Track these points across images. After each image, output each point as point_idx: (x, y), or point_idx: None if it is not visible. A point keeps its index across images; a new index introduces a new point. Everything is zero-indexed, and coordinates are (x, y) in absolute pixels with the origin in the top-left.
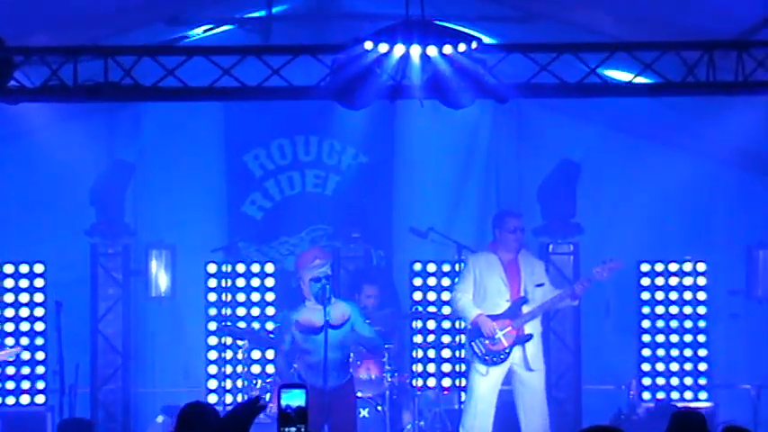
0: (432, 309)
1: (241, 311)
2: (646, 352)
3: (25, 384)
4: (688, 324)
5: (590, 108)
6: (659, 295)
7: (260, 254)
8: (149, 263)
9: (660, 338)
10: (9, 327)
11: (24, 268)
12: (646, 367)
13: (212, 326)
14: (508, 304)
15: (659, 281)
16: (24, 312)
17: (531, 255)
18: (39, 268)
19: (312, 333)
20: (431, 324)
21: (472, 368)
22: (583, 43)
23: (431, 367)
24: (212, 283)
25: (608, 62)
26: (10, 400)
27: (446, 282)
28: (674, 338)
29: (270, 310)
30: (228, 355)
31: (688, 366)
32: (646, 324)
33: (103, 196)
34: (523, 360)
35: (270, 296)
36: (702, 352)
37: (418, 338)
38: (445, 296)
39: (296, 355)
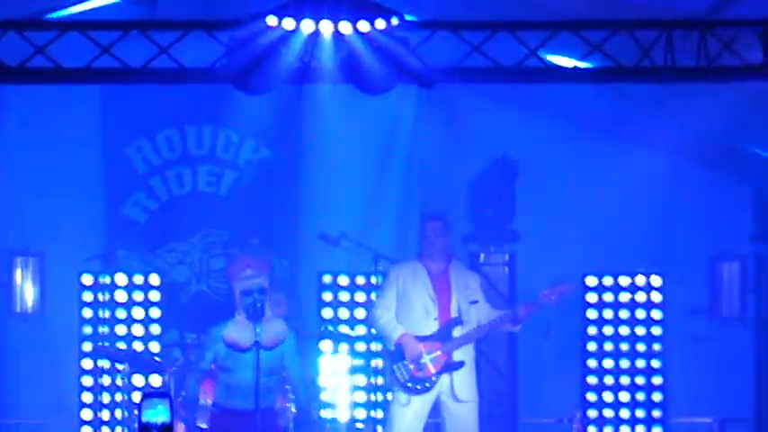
0: (343, 328)
1: (121, 330)
2: (591, 380)
3: None
4: (641, 347)
5: (529, 96)
6: (608, 314)
7: (144, 263)
8: (13, 273)
9: (608, 364)
10: None
11: None
12: (591, 397)
13: (87, 347)
14: (436, 323)
15: (608, 297)
16: None
17: (463, 267)
18: None
19: (238, 351)
20: (342, 347)
21: (392, 397)
22: (521, 21)
23: (342, 396)
24: (87, 296)
25: (550, 43)
26: None
27: (360, 297)
28: (625, 364)
29: (154, 329)
30: (106, 381)
31: (640, 397)
32: (592, 347)
33: None
34: (451, 389)
35: (155, 312)
36: (657, 380)
37: (327, 363)
38: (359, 314)
39: (215, 373)
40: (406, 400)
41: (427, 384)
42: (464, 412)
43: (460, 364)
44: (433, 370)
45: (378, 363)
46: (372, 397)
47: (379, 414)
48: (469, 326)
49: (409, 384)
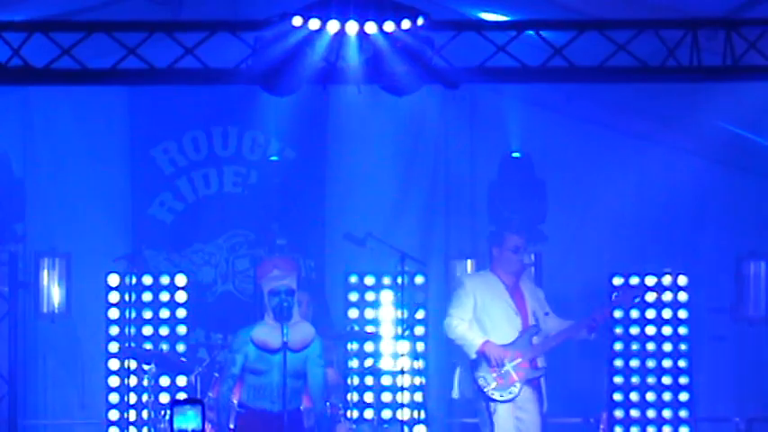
0: (370, 328)
1: (147, 330)
2: (618, 380)
3: None
4: (667, 347)
5: (554, 95)
6: (634, 313)
7: (170, 264)
8: (40, 274)
9: (635, 364)
10: None
11: None
12: (618, 397)
13: (114, 347)
14: (516, 333)
15: None
16: None
17: (530, 280)
18: None
19: (267, 353)
20: (368, 346)
21: (480, 407)
22: (546, 20)
23: (368, 396)
24: (114, 297)
25: (575, 42)
26: None
27: (387, 297)
28: (651, 364)
29: (181, 329)
30: (133, 381)
31: (667, 396)
32: (618, 347)
33: None
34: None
35: (181, 313)
36: (683, 379)
37: (354, 363)
38: (386, 313)
39: (243, 375)
40: (493, 409)
41: (511, 391)
42: (531, 418)
43: (542, 371)
44: (515, 377)
45: (403, 363)
46: (399, 397)
47: (405, 415)
48: (545, 335)
49: (494, 393)
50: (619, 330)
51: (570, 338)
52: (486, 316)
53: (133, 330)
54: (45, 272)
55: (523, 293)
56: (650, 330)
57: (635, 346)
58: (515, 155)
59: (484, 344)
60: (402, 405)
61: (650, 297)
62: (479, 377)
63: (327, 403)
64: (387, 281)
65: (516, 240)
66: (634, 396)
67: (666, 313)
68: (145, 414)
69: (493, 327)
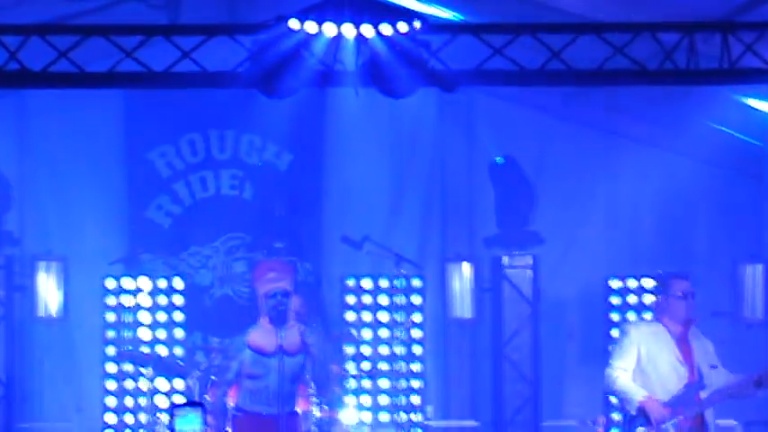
0: (367, 332)
1: (144, 334)
2: None
3: None
4: None
5: (551, 98)
6: (631, 316)
7: (167, 267)
8: (36, 277)
9: None
10: None
11: None
12: (614, 400)
13: (111, 351)
14: (682, 387)
15: (631, 299)
16: None
17: (699, 332)
18: None
19: (263, 356)
20: (366, 350)
21: None
22: (543, 23)
23: (365, 399)
24: (111, 300)
25: (572, 45)
26: None
27: (383, 300)
28: None
29: (178, 332)
30: (130, 384)
31: None
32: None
33: None
34: None
35: (178, 316)
36: None
37: (351, 366)
38: (382, 317)
39: (239, 379)
40: None
41: None
42: None
43: (710, 428)
44: None
45: (400, 366)
46: (396, 400)
47: (403, 417)
48: (709, 390)
49: None
50: (616, 333)
51: (736, 394)
52: (650, 368)
53: (130, 334)
54: (42, 275)
55: (691, 345)
56: None
57: None
58: (498, 160)
59: (645, 401)
60: (399, 408)
61: (647, 299)
62: None
63: (324, 405)
64: (384, 284)
65: (682, 285)
66: None
67: None
68: (142, 417)
69: (657, 379)
